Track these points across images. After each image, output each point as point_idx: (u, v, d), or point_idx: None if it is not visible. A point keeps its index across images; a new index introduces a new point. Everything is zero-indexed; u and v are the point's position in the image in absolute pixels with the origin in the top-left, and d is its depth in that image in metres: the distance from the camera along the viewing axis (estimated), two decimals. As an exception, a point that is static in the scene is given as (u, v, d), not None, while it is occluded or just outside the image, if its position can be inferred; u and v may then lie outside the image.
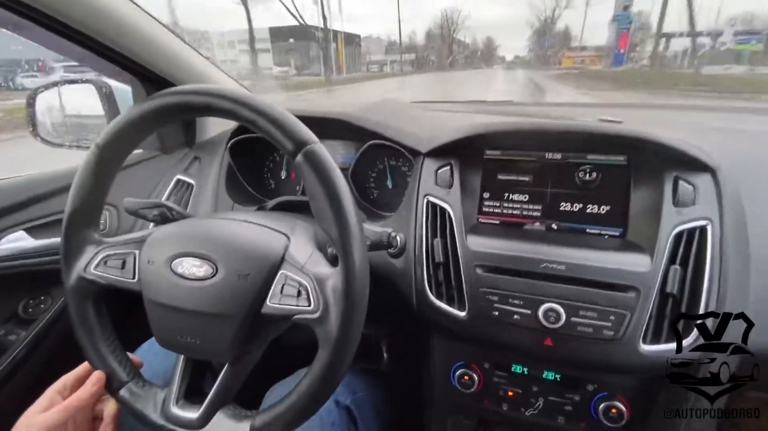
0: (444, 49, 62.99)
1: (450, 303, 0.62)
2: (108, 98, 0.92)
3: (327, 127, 0.82)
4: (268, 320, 0.47)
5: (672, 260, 0.55)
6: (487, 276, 0.60)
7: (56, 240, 0.78)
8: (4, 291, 0.78)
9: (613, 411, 0.59)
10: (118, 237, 0.54)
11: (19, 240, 0.77)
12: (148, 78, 0.84)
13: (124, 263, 0.51)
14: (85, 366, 0.53)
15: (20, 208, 0.77)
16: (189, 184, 0.90)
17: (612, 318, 0.54)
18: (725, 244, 0.54)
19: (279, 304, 0.45)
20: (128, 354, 0.55)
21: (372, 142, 0.80)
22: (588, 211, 0.65)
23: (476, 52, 72.13)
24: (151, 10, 0.78)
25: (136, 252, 0.51)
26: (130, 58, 0.76)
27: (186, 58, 0.87)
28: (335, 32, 35.86)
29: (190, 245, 0.48)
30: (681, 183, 0.58)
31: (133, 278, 0.50)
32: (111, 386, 0.52)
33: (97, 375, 0.51)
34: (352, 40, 43.75)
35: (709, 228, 0.55)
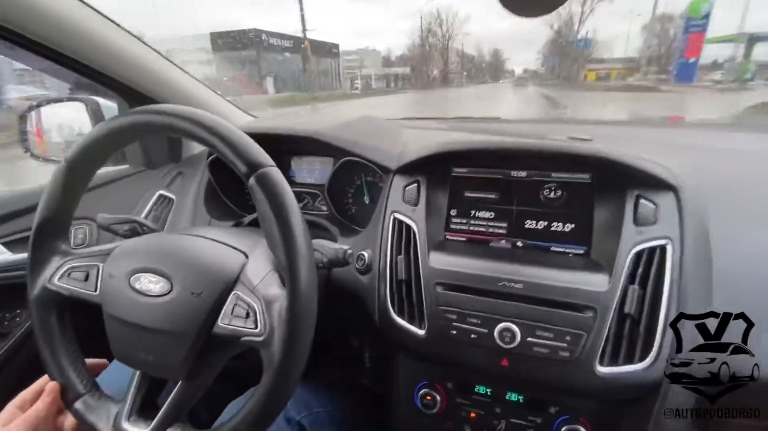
0: (436, 60, 49.66)
1: (411, 321, 0.62)
2: (95, 115, 0.95)
3: (302, 143, 0.84)
4: (221, 340, 0.47)
5: (631, 279, 0.54)
6: (447, 294, 0.60)
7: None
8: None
9: None
10: (85, 250, 0.55)
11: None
12: (134, 96, 0.87)
13: (87, 275, 0.52)
14: (45, 379, 0.53)
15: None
16: (170, 199, 0.92)
17: (568, 338, 0.53)
18: (685, 264, 0.53)
19: (229, 325, 0.45)
20: (89, 361, 0.55)
21: (345, 158, 0.81)
22: (552, 228, 0.64)
23: (480, 65, 63.38)
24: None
25: (100, 265, 0.52)
26: (112, 77, 0.79)
27: (170, 76, 0.90)
28: (295, 39, 27.50)
29: (149, 261, 0.49)
30: (642, 201, 0.58)
31: (95, 291, 0.51)
32: (66, 397, 0.52)
33: (51, 386, 0.51)
34: (327, 50, 33.48)
35: (669, 247, 0.54)
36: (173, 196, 0.92)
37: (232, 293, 0.46)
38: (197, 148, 1.05)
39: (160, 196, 0.92)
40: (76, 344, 0.55)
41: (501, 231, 0.67)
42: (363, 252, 0.69)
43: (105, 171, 0.96)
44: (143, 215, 0.90)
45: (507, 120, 1.33)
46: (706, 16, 23.21)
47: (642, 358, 0.51)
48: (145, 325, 0.47)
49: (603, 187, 0.62)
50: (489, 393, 0.64)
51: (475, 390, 0.64)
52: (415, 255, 0.63)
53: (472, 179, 0.69)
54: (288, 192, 0.45)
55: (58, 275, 0.53)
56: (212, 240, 0.53)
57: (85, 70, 0.75)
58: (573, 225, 0.63)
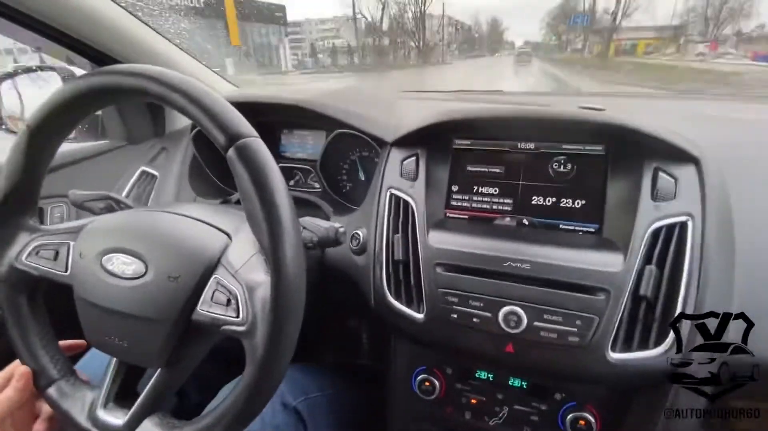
0: (409, 30, 38.43)
1: (408, 304, 0.58)
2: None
3: (291, 115, 0.78)
4: (200, 327, 0.43)
5: (648, 259, 0.50)
6: (448, 276, 0.56)
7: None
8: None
9: (582, 422, 0.54)
10: (55, 226, 0.51)
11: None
12: (105, 63, 0.80)
13: (57, 254, 0.48)
14: (16, 363, 0.50)
15: None
16: (154, 176, 0.86)
17: (578, 323, 0.49)
18: (707, 242, 0.49)
19: (208, 311, 0.41)
20: (64, 342, 0.52)
21: (339, 131, 0.75)
22: (562, 205, 0.60)
23: (473, 35, 57.15)
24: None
25: (71, 243, 0.48)
26: (79, 39, 0.72)
27: (146, 41, 0.83)
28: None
29: (123, 240, 0.45)
30: (661, 175, 0.53)
31: (65, 271, 0.47)
32: (38, 383, 0.49)
33: (21, 372, 0.48)
34: (268, 14, 24.43)
35: (689, 224, 0.50)
36: (156, 173, 0.86)
37: (212, 277, 0.42)
38: (183, 121, 0.98)
39: (143, 172, 0.87)
40: (49, 327, 0.51)
41: (506, 208, 0.63)
42: (358, 232, 0.64)
43: (84, 146, 0.90)
44: (124, 193, 0.85)
45: (511, 92, 1.27)
46: None
47: (658, 343, 0.47)
48: (117, 310, 0.43)
49: (618, 160, 0.57)
50: (491, 379, 0.60)
51: (476, 375, 0.61)
52: (413, 234, 0.59)
53: (474, 152, 0.64)
54: (272, 165, 0.40)
55: (26, 253, 0.49)
56: (192, 218, 0.48)
57: (46, 29, 0.68)
58: (584, 201, 0.59)
